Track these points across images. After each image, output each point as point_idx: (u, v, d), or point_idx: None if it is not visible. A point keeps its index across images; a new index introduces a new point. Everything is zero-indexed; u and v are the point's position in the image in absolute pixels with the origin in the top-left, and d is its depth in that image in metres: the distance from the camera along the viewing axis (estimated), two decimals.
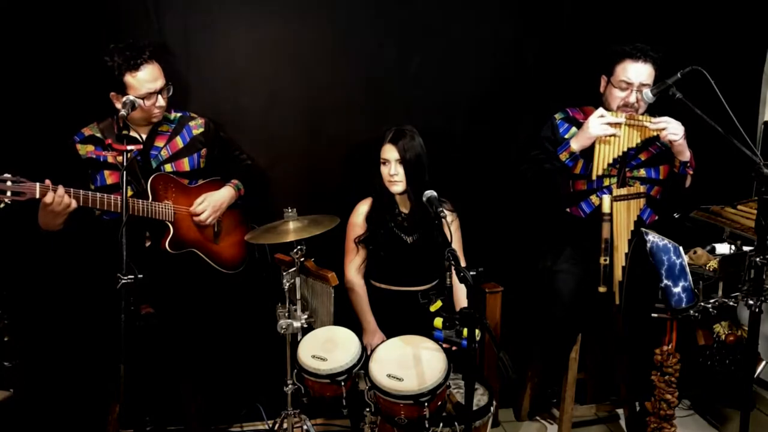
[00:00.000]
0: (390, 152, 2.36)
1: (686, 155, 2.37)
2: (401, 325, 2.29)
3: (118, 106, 2.13)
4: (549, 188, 2.52)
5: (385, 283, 2.48)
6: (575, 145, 2.33)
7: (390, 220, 2.43)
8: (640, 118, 2.33)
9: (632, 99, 2.35)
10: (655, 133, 2.33)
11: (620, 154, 2.35)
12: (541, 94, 2.74)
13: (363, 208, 2.47)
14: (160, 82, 2.17)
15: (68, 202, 1.95)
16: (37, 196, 1.91)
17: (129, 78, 2.11)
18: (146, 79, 2.13)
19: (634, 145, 2.36)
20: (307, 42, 2.59)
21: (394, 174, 2.36)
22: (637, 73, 2.34)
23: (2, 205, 1.85)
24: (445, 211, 1.97)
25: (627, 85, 2.35)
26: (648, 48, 2.36)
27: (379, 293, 2.49)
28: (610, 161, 2.34)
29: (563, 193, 2.53)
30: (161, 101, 2.19)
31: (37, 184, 1.91)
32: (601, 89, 2.47)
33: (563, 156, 2.35)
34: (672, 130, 2.28)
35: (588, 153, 2.36)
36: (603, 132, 2.28)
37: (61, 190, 1.94)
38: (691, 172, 2.41)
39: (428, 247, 2.43)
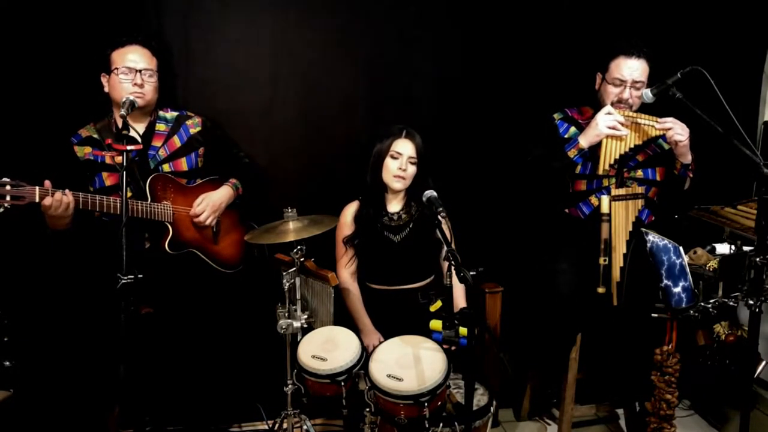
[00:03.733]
0: (405, 147, 2.36)
1: (688, 158, 2.37)
2: (399, 325, 2.29)
3: (107, 89, 2.20)
4: (555, 186, 2.52)
5: (378, 284, 2.48)
6: (584, 141, 2.33)
7: (377, 221, 2.43)
8: (646, 117, 2.33)
9: (626, 95, 2.36)
10: (660, 133, 2.33)
11: (626, 150, 2.35)
12: (540, 94, 2.74)
13: (350, 209, 2.47)
14: (143, 64, 2.19)
15: (67, 202, 1.95)
16: (37, 200, 1.91)
17: (114, 54, 2.18)
18: (130, 57, 2.18)
19: (639, 143, 2.36)
20: (307, 42, 2.59)
21: (404, 170, 2.35)
22: (631, 69, 2.35)
23: (1, 210, 1.85)
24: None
25: (621, 82, 2.36)
26: (641, 44, 2.37)
27: (375, 294, 2.49)
28: (617, 157, 2.34)
29: (564, 192, 2.53)
30: (139, 80, 2.17)
31: (37, 188, 1.91)
32: (597, 86, 2.47)
33: (572, 153, 2.35)
34: (678, 131, 2.28)
35: (592, 151, 2.36)
36: (612, 132, 2.28)
37: (58, 194, 1.94)
38: (692, 175, 2.42)
39: (416, 245, 2.44)
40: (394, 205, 2.47)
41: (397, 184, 2.38)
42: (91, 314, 2.35)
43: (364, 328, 2.41)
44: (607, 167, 2.35)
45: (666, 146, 2.43)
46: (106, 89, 2.22)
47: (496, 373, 2.68)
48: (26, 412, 2.29)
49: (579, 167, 2.41)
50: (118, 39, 2.20)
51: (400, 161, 2.36)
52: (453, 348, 2.09)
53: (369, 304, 2.47)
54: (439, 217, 1.94)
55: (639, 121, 2.32)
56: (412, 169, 2.38)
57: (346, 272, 2.48)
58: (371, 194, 2.45)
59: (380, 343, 2.23)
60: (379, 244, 2.44)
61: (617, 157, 2.35)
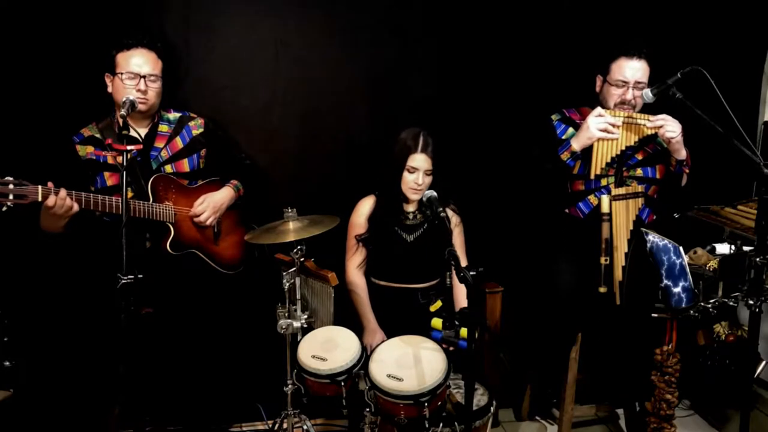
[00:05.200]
0: (422, 162, 2.34)
1: (682, 154, 2.36)
2: (401, 323, 2.29)
3: (110, 90, 2.19)
4: (551, 188, 2.52)
5: (385, 281, 2.48)
6: (576, 144, 2.33)
7: (392, 220, 2.43)
8: (638, 116, 2.33)
9: (629, 96, 2.36)
10: (653, 132, 2.33)
11: (618, 153, 2.35)
12: (542, 95, 2.74)
13: (365, 207, 2.46)
14: (147, 69, 2.17)
15: (70, 205, 1.95)
16: (39, 198, 1.91)
17: (119, 56, 2.17)
18: (135, 61, 2.16)
19: (632, 144, 2.36)
20: (307, 42, 2.59)
21: (421, 184, 2.34)
22: (633, 69, 2.34)
23: (4, 209, 1.85)
24: (447, 210, 1.96)
25: (623, 83, 2.36)
26: (642, 44, 2.36)
27: (380, 290, 2.49)
28: (608, 160, 2.34)
29: (563, 192, 2.53)
30: (143, 85, 2.16)
31: (40, 187, 1.91)
32: (597, 89, 2.47)
33: (564, 156, 2.35)
34: (670, 127, 2.28)
35: (586, 153, 2.36)
36: (603, 134, 2.28)
37: (63, 192, 1.94)
38: (687, 171, 2.42)
39: (428, 246, 2.44)
40: (410, 206, 2.47)
41: (414, 196, 2.39)
42: (92, 314, 2.35)
43: (368, 325, 2.41)
44: (598, 171, 2.35)
45: (665, 144, 2.43)
46: (109, 89, 2.21)
47: (496, 373, 2.68)
48: (26, 412, 2.29)
49: (578, 167, 2.41)
50: (125, 41, 2.18)
51: (417, 176, 2.34)
52: (452, 349, 2.10)
53: (373, 299, 2.46)
54: (440, 215, 1.95)
55: (630, 120, 2.32)
56: (428, 180, 2.37)
57: (354, 267, 2.47)
58: (388, 198, 2.43)
59: (381, 342, 2.23)
60: (391, 241, 2.43)
61: (608, 160, 2.34)
